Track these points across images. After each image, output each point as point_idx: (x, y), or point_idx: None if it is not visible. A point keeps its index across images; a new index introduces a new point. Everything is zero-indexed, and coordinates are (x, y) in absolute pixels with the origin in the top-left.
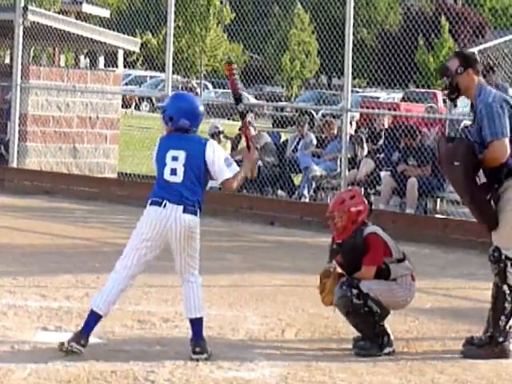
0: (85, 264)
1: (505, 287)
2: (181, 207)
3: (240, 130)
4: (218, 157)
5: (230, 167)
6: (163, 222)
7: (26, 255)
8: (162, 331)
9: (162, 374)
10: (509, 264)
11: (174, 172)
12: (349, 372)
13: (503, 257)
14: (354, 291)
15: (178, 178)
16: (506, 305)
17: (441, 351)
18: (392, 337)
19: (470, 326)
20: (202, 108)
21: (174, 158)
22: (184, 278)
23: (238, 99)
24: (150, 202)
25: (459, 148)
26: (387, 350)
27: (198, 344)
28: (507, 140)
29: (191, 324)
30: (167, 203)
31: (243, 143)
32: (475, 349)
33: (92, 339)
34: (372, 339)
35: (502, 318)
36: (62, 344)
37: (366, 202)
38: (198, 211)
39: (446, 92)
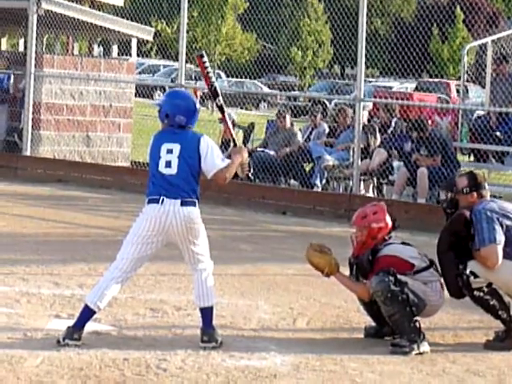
0: (98, 252)
1: (476, 293)
2: (178, 201)
3: (220, 121)
4: (211, 151)
5: (223, 161)
6: (163, 218)
7: (38, 243)
8: (175, 319)
9: (174, 362)
10: (471, 277)
11: (168, 164)
12: (360, 361)
13: (467, 271)
14: (392, 278)
15: (173, 170)
16: (492, 303)
17: (452, 341)
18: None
19: (481, 317)
20: (198, 105)
21: (169, 151)
22: (193, 267)
23: (214, 93)
24: (147, 200)
25: (455, 214)
26: (423, 349)
27: (206, 333)
28: (496, 247)
29: (201, 312)
30: (165, 199)
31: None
32: (499, 343)
33: (104, 327)
34: (408, 335)
35: (500, 313)
36: (58, 341)
37: (390, 218)
38: (196, 201)
39: (444, 205)
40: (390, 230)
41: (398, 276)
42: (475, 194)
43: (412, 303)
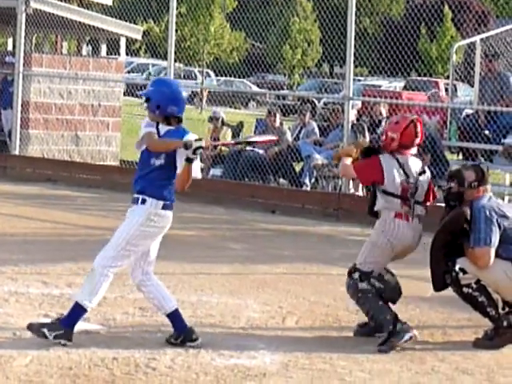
0: (86, 251)
1: (465, 289)
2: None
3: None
4: None
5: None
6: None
7: (27, 242)
8: (164, 319)
9: (163, 362)
10: (460, 273)
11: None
12: (349, 360)
13: (456, 268)
14: (356, 275)
15: None
16: (480, 300)
17: (441, 340)
18: (408, 323)
19: (470, 315)
20: (184, 93)
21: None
22: (149, 272)
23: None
24: (166, 205)
25: (455, 212)
26: (407, 336)
27: (191, 331)
28: (490, 249)
29: (173, 317)
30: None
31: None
32: (488, 341)
33: (93, 326)
34: (386, 328)
35: (488, 309)
36: (42, 329)
37: (415, 132)
38: None
39: (448, 196)
40: (403, 144)
41: (363, 270)
42: (481, 188)
43: (380, 290)
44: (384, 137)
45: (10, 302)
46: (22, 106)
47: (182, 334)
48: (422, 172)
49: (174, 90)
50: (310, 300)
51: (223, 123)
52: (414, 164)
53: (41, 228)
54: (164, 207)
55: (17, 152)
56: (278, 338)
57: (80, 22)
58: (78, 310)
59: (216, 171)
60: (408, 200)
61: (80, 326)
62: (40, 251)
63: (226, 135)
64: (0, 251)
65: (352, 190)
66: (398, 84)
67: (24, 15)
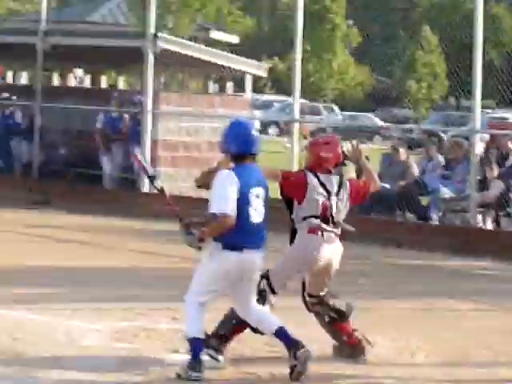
0: None
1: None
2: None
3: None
4: None
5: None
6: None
7: (157, 278)
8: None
9: None
10: None
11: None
12: None
13: None
14: (263, 284)
15: (260, 218)
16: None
17: None
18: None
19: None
20: (252, 132)
21: (257, 196)
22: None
23: (152, 177)
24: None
25: None
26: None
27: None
28: None
29: None
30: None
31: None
32: None
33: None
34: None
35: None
36: (179, 376)
37: (341, 152)
38: None
39: None
40: (337, 163)
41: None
42: None
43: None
44: (313, 157)
45: (140, 338)
46: (151, 144)
47: (292, 348)
48: (341, 185)
49: (231, 130)
50: (440, 336)
51: (345, 157)
52: (334, 180)
53: (169, 264)
54: (223, 247)
55: (145, 189)
56: (408, 373)
57: (206, 61)
58: (192, 344)
59: None
60: (327, 220)
61: (211, 363)
62: (169, 287)
63: (351, 170)
64: (131, 287)
65: (480, 224)
66: None
67: (152, 55)
